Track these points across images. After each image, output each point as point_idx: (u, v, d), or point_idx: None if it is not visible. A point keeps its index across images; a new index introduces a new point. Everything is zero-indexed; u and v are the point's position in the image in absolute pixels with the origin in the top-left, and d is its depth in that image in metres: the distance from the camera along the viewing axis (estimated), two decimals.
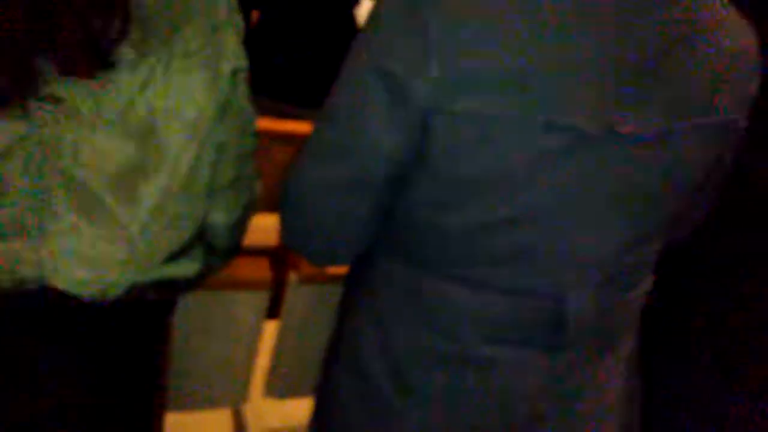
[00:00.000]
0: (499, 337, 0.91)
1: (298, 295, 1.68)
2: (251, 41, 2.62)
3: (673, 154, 0.86)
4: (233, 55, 0.89)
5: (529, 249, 0.86)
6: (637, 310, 1.00)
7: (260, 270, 1.66)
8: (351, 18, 2.67)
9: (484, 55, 0.76)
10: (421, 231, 0.88)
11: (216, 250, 1.03)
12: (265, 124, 1.89)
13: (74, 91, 0.80)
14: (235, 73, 0.89)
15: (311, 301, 1.69)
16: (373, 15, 0.83)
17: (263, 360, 1.76)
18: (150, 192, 0.85)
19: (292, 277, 1.65)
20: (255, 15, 2.84)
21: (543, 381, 0.93)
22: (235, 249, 1.07)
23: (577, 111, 0.79)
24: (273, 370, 1.74)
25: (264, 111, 2.55)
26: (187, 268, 0.95)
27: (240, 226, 1.03)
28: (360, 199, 0.87)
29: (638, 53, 0.81)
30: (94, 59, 0.78)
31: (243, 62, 0.91)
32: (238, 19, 0.89)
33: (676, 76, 0.83)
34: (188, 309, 1.55)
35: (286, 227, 0.95)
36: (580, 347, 0.94)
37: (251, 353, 1.67)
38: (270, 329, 1.74)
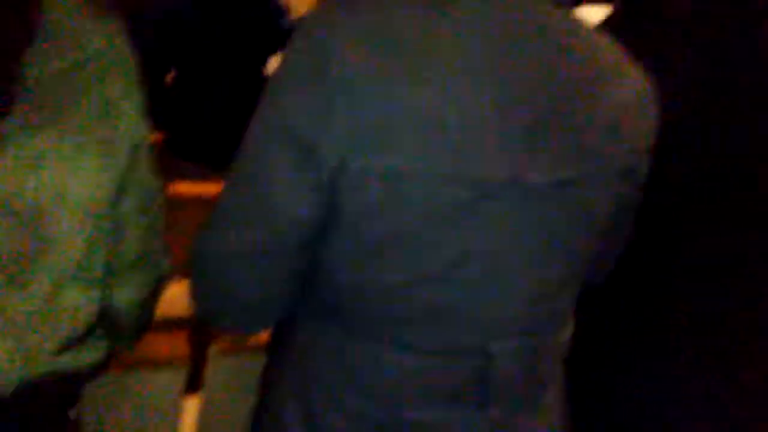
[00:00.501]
0: (426, 399, 0.89)
1: (219, 368, 1.59)
2: (167, 101, 2.66)
3: (575, 202, 0.86)
4: (132, 130, 0.85)
5: (448, 306, 0.85)
6: (561, 356, 0.99)
7: (177, 344, 1.57)
8: (262, 75, 2.75)
9: (387, 112, 0.76)
10: (341, 292, 0.85)
11: (122, 333, 0.97)
12: (184, 186, 1.85)
13: None
14: (134, 148, 0.86)
15: (234, 372, 1.61)
16: (277, 72, 0.82)
17: None
18: (39, 279, 0.79)
19: (213, 349, 1.57)
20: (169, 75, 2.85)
21: None
22: (143, 329, 1.02)
23: (482, 163, 0.79)
24: None
25: (183, 173, 2.44)
26: (86, 356, 0.89)
27: (147, 305, 0.98)
28: (273, 265, 0.84)
29: (538, 105, 0.81)
30: None
31: (143, 136, 0.87)
32: (137, 91, 0.86)
33: (576, 125, 0.84)
34: (98, 392, 1.43)
35: (197, 298, 0.91)
36: (507, 401, 0.92)
37: None
38: (190, 405, 1.63)
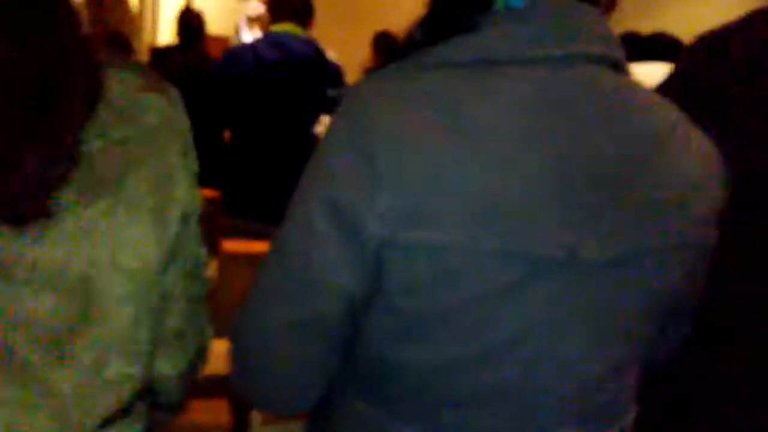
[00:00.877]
0: None
1: None
2: (223, 160, 2.58)
3: (639, 277, 0.82)
4: (183, 201, 0.84)
5: (498, 390, 0.81)
6: None
7: (218, 412, 1.64)
8: (313, 135, 2.76)
9: (434, 186, 0.73)
10: (381, 369, 0.82)
11: (162, 405, 0.96)
12: (236, 245, 1.84)
13: (4, 244, 0.72)
14: (185, 218, 0.85)
15: None
16: (323, 145, 0.81)
17: None
18: (84, 350, 0.77)
19: (255, 417, 1.64)
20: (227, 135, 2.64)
21: None
22: (183, 402, 1.00)
23: (537, 237, 0.75)
24: None
25: (238, 232, 2.28)
26: (128, 430, 0.86)
27: (188, 377, 0.96)
28: (316, 341, 0.82)
29: (598, 174, 0.77)
30: (35, 204, 0.71)
31: (195, 206, 0.87)
32: (191, 162, 0.87)
33: (639, 196, 0.79)
34: None
35: (236, 374, 0.88)
36: None
37: None
38: None
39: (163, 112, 0.84)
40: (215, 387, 1.54)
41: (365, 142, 0.75)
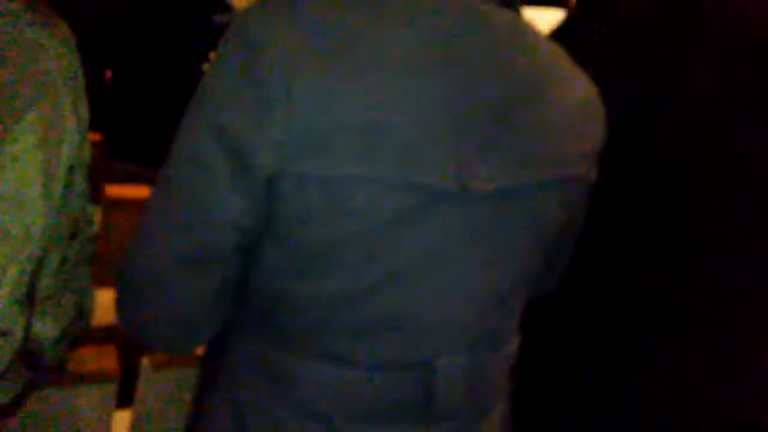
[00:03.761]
0: (365, 415, 0.85)
1: (151, 382, 1.60)
2: (105, 101, 2.46)
3: (526, 209, 0.84)
4: (72, 150, 0.81)
5: (391, 318, 0.82)
6: (507, 371, 0.96)
7: (106, 359, 1.61)
8: (201, 72, 2.49)
9: (329, 117, 0.72)
10: (276, 304, 0.82)
11: (40, 366, 0.93)
12: (120, 189, 1.84)
13: None
14: (70, 169, 0.81)
15: (166, 387, 1.61)
16: (210, 71, 0.78)
17: None
18: None
19: (145, 362, 1.62)
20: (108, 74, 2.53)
21: None
22: (62, 364, 0.98)
23: (428, 169, 0.76)
24: None
25: (122, 176, 2.23)
26: (4, 393, 0.85)
27: (66, 338, 0.93)
28: (206, 276, 0.80)
29: (486, 108, 0.79)
30: None
31: (83, 158, 0.84)
32: (83, 106, 0.82)
33: (525, 130, 0.81)
34: (24, 408, 1.51)
35: (124, 313, 0.85)
36: (452, 418, 0.89)
37: None
38: (123, 419, 1.55)
39: (54, 53, 0.78)
40: (103, 335, 1.53)
41: (254, 66, 0.74)
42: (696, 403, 1.08)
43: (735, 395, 1.09)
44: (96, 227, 0.95)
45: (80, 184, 0.85)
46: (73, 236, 0.87)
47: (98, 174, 1.01)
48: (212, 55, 2.59)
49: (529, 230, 0.87)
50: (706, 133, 1.05)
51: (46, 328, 0.89)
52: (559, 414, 1.17)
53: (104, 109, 2.54)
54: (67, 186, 0.82)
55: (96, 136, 2.51)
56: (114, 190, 2.05)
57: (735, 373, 1.07)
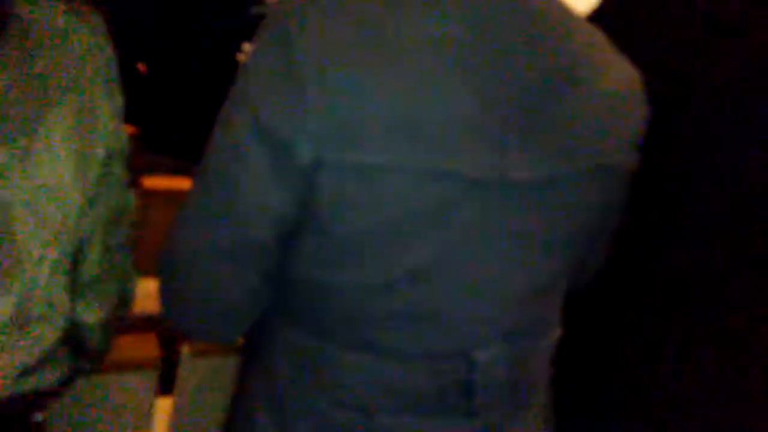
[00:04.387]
0: (404, 406, 0.85)
1: (191, 370, 1.63)
2: (140, 94, 2.41)
3: (564, 199, 0.83)
4: (107, 140, 0.80)
5: (429, 308, 0.81)
6: (547, 361, 0.95)
7: (147, 347, 1.64)
8: (236, 63, 2.43)
9: (365, 106, 0.72)
10: (316, 294, 0.82)
11: (85, 352, 0.93)
12: (157, 181, 1.86)
13: None
14: (108, 159, 0.81)
15: (206, 374, 1.63)
16: (246, 64, 0.78)
17: None
18: (3, 303, 0.74)
19: (185, 350, 1.64)
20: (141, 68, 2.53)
21: None
22: (107, 351, 0.98)
23: (465, 158, 0.76)
24: None
25: (158, 168, 2.23)
26: (50, 376, 0.85)
27: (110, 325, 0.94)
28: (247, 267, 0.80)
29: (523, 95, 0.78)
30: None
31: (120, 145, 0.84)
32: (117, 93, 0.82)
33: (562, 120, 0.80)
34: (69, 397, 1.54)
35: (167, 303, 0.86)
36: (492, 409, 0.89)
37: None
38: (164, 406, 1.58)
39: (86, 41, 0.78)
40: (144, 324, 1.56)
41: (289, 58, 0.74)
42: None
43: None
44: (135, 215, 0.96)
45: (119, 171, 0.86)
46: (113, 223, 0.88)
47: (135, 166, 1.03)
48: (247, 46, 2.68)
49: (564, 223, 0.85)
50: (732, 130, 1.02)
51: (89, 314, 0.89)
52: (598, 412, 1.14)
53: (139, 103, 2.49)
54: (105, 174, 0.83)
55: (132, 129, 2.45)
56: (151, 182, 2.05)
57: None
